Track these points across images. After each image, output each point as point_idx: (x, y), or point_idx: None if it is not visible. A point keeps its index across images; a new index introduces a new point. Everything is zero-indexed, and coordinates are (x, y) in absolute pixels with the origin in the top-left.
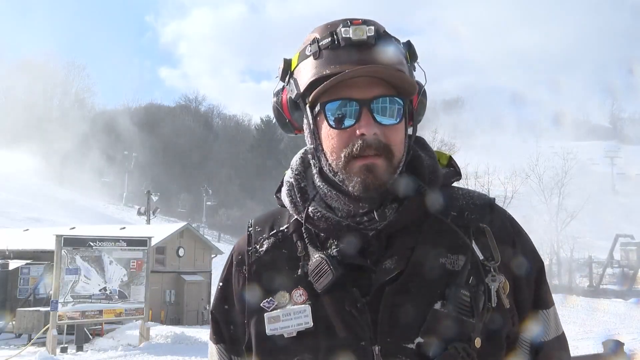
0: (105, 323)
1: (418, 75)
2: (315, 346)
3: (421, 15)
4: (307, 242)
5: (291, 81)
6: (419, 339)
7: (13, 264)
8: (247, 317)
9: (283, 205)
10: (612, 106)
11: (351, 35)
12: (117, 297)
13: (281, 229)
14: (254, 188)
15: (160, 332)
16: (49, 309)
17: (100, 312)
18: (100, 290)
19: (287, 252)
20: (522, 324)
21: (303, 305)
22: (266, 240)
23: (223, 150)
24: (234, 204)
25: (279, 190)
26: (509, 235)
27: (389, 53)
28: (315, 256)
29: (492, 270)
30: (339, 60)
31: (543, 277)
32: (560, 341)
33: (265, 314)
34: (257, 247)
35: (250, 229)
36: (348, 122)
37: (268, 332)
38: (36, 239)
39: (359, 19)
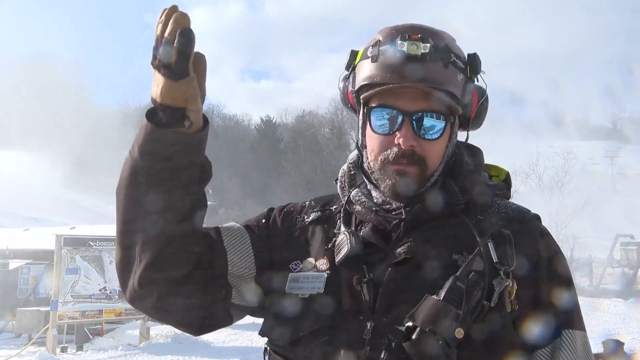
0: (105, 323)
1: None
2: (320, 311)
3: (422, 14)
4: (342, 221)
5: (352, 74)
6: (409, 323)
7: (13, 264)
8: (275, 270)
9: None
10: (612, 106)
11: (405, 50)
12: (117, 296)
13: (330, 208)
14: (254, 188)
15: (161, 332)
16: (49, 309)
17: (100, 311)
18: (100, 290)
19: (327, 227)
20: (536, 335)
21: (322, 273)
22: (314, 213)
23: (223, 150)
24: (234, 204)
25: (337, 178)
26: (535, 246)
27: (438, 70)
28: (342, 232)
29: (501, 273)
30: (391, 70)
31: (568, 294)
32: None
33: (290, 274)
34: (305, 217)
35: (307, 202)
36: (389, 129)
37: (287, 289)
38: (36, 239)
39: (418, 34)
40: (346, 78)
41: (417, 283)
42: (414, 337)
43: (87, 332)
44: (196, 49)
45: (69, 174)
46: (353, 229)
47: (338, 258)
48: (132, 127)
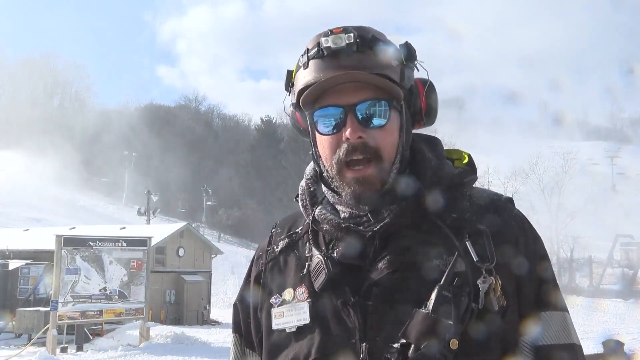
0: (105, 323)
1: (422, 75)
2: (310, 341)
3: (421, 13)
4: (311, 242)
5: (291, 90)
6: (402, 340)
7: (13, 264)
8: (260, 312)
9: None
10: (612, 106)
11: (330, 44)
12: (117, 297)
13: (296, 230)
14: (254, 188)
15: (160, 332)
16: (49, 309)
17: (100, 312)
18: (100, 290)
19: (297, 252)
20: (522, 326)
21: (303, 303)
22: (282, 241)
23: (223, 150)
24: (234, 204)
25: (298, 195)
26: (513, 235)
27: (368, 58)
28: (315, 256)
29: (483, 271)
30: (322, 69)
31: (548, 278)
32: (569, 351)
33: (272, 310)
34: (274, 247)
35: (273, 230)
36: (335, 128)
37: (273, 326)
38: (36, 239)
39: (340, 27)
40: (290, 101)
41: (404, 297)
42: (410, 355)
43: (87, 332)
44: (195, 49)
45: (68, 174)
46: (324, 248)
47: (317, 284)
48: (132, 127)
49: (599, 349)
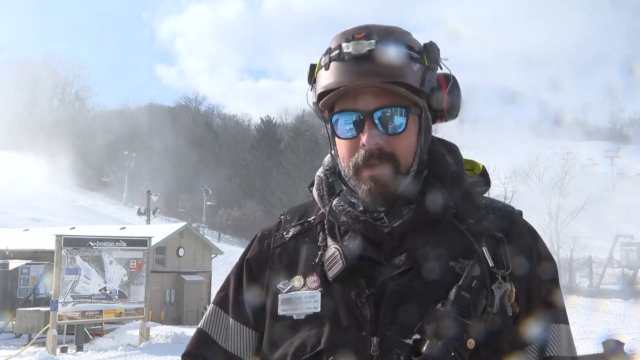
0: (105, 323)
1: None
2: (319, 330)
3: (422, 12)
4: (327, 233)
5: (314, 87)
6: (416, 335)
7: (13, 264)
8: (265, 296)
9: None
10: (612, 106)
11: (351, 50)
12: (117, 297)
13: (308, 219)
14: (254, 188)
15: (160, 332)
16: (49, 309)
17: (100, 312)
18: (100, 290)
19: (309, 240)
20: (530, 334)
21: (314, 291)
22: (292, 228)
23: (223, 150)
24: (234, 204)
25: (312, 184)
26: (526, 245)
27: (388, 64)
28: (331, 246)
29: (499, 277)
30: (343, 73)
31: (556, 291)
32: None
33: (279, 295)
34: (284, 233)
35: (282, 216)
36: (352, 133)
37: (280, 312)
38: (36, 239)
39: (361, 32)
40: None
41: (419, 294)
42: (424, 350)
43: (87, 332)
44: (194, 48)
45: (69, 174)
46: (340, 240)
47: (331, 274)
48: (132, 127)
49: (599, 349)
